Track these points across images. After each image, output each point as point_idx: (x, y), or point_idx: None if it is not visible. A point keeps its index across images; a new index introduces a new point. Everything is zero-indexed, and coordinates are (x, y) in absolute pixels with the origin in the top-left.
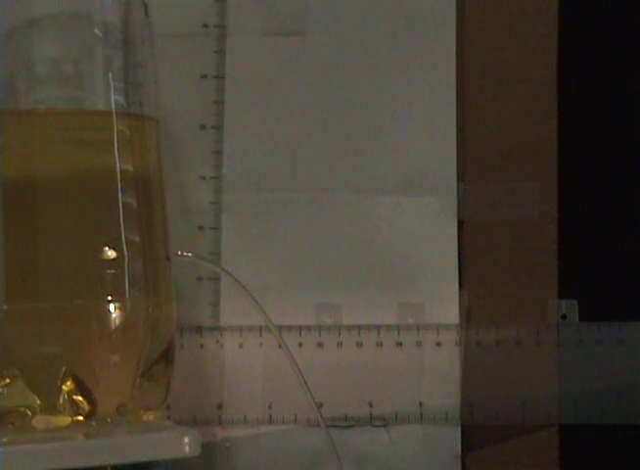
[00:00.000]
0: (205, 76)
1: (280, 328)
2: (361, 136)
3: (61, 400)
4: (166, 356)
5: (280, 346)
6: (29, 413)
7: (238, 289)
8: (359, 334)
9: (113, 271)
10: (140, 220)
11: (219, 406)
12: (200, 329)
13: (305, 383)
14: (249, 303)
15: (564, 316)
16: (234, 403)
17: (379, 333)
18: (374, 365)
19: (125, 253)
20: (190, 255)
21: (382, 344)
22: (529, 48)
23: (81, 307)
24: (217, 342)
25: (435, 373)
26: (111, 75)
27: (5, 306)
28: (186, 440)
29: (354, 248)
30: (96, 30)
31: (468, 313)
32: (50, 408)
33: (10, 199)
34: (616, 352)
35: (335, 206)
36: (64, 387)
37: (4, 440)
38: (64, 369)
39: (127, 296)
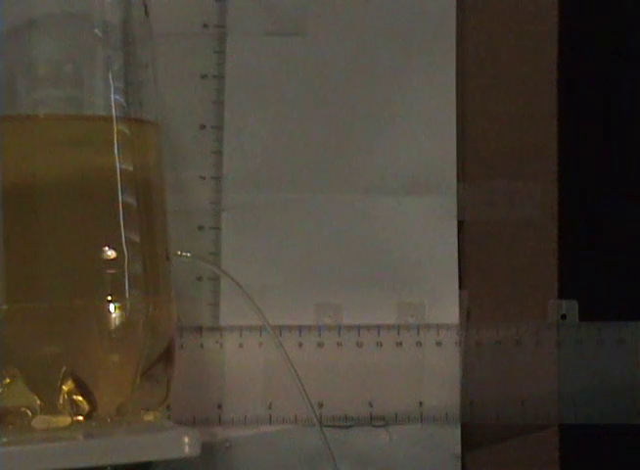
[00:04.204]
0: (205, 76)
1: (280, 328)
2: (361, 136)
3: (61, 400)
4: (166, 356)
5: (277, 346)
6: (29, 413)
7: (237, 289)
8: (359, 334)
9: (113, 271)
10: (140, 221)
11: (219, 406)
12: (200, 329)
13: (301, 383)
14: (248, 303)
15: (564, 316)
16: (234, 403)
17: (379, 333)
18: (374, 365)
19: (125, 253)
20: (189, 255)
21: (382, 344)
22: (529, 48)
23: (81, 307)
24: (217, 342)
25: (435, 373)
26: (111, 75)
27: (5, 306)
28: (186, 440)
29: (354, 248)
30: (96, 30)
31: (468, 313)
32: (50, 408)
33: (11, 200)
34: (616, 352)
35: (335, 206)
36: (64, 387)
37: (4, 440)
38: (64, 369)
39: (127, 296)
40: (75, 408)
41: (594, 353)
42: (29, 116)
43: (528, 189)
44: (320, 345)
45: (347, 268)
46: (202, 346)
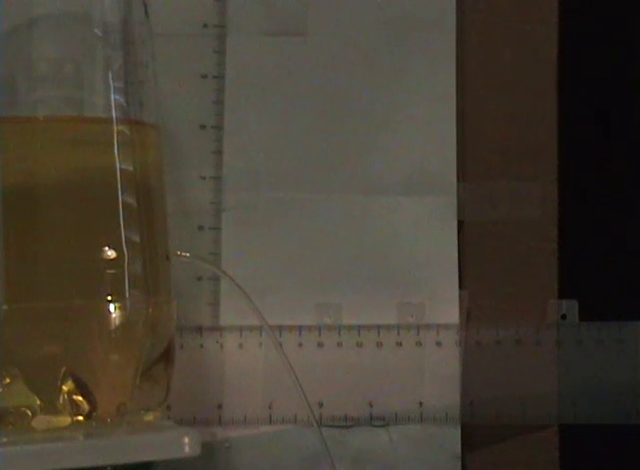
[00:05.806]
0: (205, 76)
1: (280, 328)
2: (361, 136)
3: (61, 400)
4: (166, 356)
5: (275, 347)
6: (29, 413)
7: (237, 289)
8: (359, 334)
9: (113, 271)
10: (140, 221)
11: (219, 406)
12: (200, 329)
13: (300, 384)
14: (248, 303)
15: (564, 316)
16: (234, 403)
17: (379, 333)
18: (374, 365)
19: (125, 253)
20: (189, 255)
21: (382, 344)
22: (529, 48)
23: (81, 307)
24: (217, 342)
25: (435, 373)
26: (111, 75)
27: (5, 306)
28: (186, 440)
29: (354, 248)
30: (96, 30)
31: (468, 313)
32: (50, 408)
33: (11, 200)
34: (616, 352)
35: (335, 206)
36: (64, 387)
37: (4, 440)
38: (64, 369)
39: (127, 296)
40: (75, 408)
41: (594, 353)
42: (29, 117)
43: (528, 189)
44: (320, 345)
45: (347, 268)
46: (202, 346)
